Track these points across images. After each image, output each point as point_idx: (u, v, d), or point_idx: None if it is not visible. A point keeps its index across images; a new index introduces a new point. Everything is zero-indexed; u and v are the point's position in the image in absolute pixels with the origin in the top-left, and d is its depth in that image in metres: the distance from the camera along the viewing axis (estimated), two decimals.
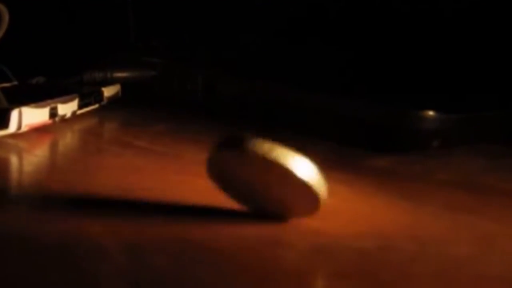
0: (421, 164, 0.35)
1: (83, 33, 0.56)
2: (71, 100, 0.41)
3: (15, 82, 0.44)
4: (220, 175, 0.26)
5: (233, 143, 0.25)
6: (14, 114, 0.36)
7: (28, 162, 0.35)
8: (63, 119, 0.40)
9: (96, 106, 0.43)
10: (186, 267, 0.23)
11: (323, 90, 0.39)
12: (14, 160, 0.35)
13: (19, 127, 0.37)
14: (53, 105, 0.39)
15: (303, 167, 0.25)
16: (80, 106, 0.41)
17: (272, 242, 0.25)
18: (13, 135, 0.37)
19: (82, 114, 0.42)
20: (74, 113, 0.41)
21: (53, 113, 0.39)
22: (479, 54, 0.43)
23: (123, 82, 0.46)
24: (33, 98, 0.38)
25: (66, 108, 0.40)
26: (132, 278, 0.22)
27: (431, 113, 0.36)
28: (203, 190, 0.28)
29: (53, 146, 0.39)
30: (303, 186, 0.25)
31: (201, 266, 0.23)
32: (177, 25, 0.55)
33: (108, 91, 0.44)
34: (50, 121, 0.39)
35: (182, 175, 0.32)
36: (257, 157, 0.24)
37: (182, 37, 0.54)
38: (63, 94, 0.40)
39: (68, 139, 0.40)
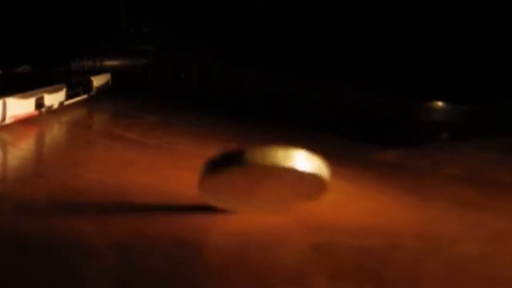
0: (429, 158, 0.35)
1: (72, 19, 0.56)
2: (59, 90, 0.41)
3: None
4: (214, 194, 0.26)
5: (226, 162, 0.25)
6: None
7: (13, 156, 0.35)
8: (50, 110, 0.40)
9: (85, 96, 0.43)
10: (180, 268, 0.23)
11: (325, 80, 0.39)
12: None
13: (3, 118, 0.37)
14: (39, 95, 0.39)
15: (301, 161, 0.25)
16: (68, 97, 0.41)
17: (271, 240, 0.25)
18: None
19: (70, 105, 0.42)
20: (61, 103, 0.41)
21: (39, 104, 0.39)
22: (490, 42, 0.43)
23: (113, 71, 0.46)
24: (18, 88, 0.38)
25: (53, 99, 0.40)
26: (123, 279, 0.22)
27: (439, 103, 0.36)
28: (198, 186, 0.28)
29: (40, 139, 0.38)
30: (305, 177, 0.25)
31: (196, 266, 0.23)
32: (170, 10, 0.55)
33: (97, 81, 0.44)
34: (36, 112, 0.39)
35: (176, 169, 0.32)
36: (253, 168, 0.24)
37: (176, 23, 0.54)
38: (50, 83, 0.40)
39: (55, 132, 0.40)
